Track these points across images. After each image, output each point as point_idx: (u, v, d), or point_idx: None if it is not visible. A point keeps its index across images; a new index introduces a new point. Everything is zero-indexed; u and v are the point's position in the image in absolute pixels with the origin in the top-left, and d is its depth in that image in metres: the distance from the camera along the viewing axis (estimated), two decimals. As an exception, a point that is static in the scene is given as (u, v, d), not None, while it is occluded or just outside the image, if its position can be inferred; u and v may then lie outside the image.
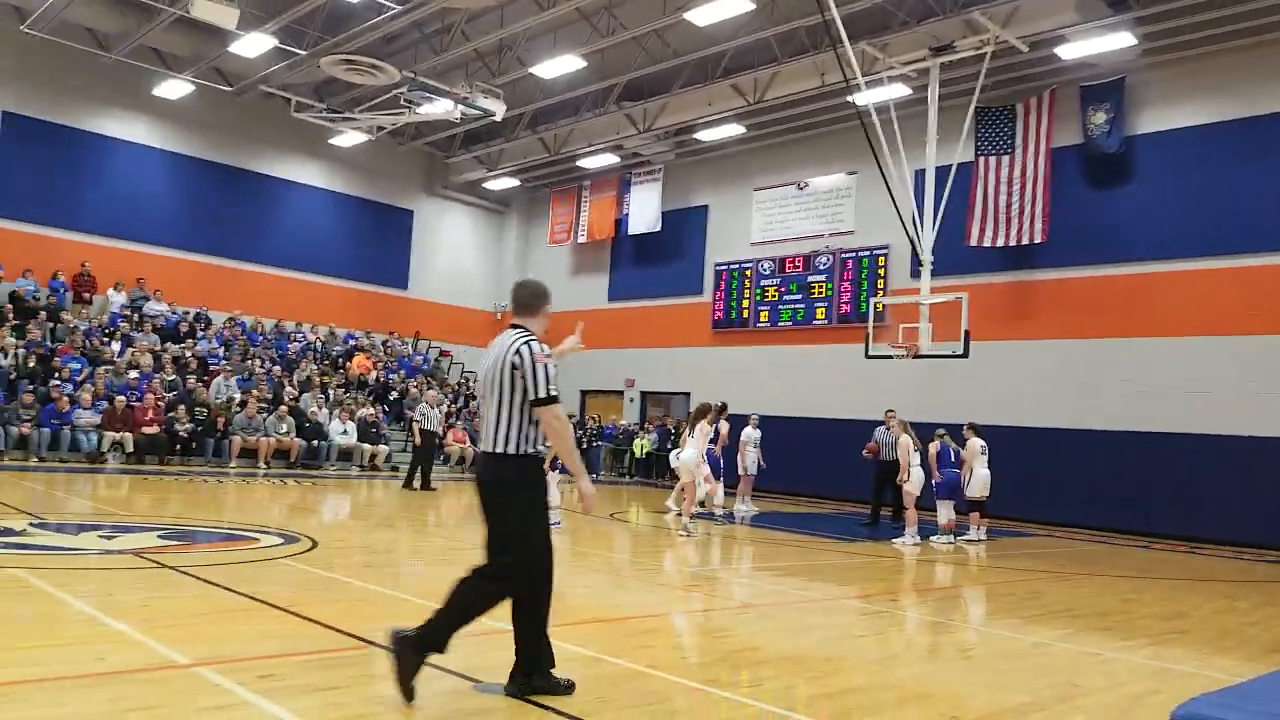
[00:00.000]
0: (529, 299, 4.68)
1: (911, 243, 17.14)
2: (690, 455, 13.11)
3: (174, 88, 22.17)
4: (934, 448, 13.92)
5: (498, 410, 4.44)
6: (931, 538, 13.68)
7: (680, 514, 15.16)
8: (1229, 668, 6.33)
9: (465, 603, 4.43)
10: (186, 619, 5.79)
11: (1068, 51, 17.20)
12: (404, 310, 27.95)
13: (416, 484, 16.74)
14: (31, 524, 9.07)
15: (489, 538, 4.51)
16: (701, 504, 14.23)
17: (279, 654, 5.07)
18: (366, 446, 21.15)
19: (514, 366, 4.39)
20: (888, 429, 15.54)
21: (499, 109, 20.35)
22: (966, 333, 15.76)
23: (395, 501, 15.04)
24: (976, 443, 14.05)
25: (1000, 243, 19.33)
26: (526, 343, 4.42)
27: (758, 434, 17.06)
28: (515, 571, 4.44)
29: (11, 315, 19.66)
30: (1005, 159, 19.43)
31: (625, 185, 26.84)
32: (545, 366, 4.38)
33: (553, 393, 4.39)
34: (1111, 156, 18.38)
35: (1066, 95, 18.96)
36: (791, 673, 5.50)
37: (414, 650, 4.27)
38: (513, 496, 4.44)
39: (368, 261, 27.21)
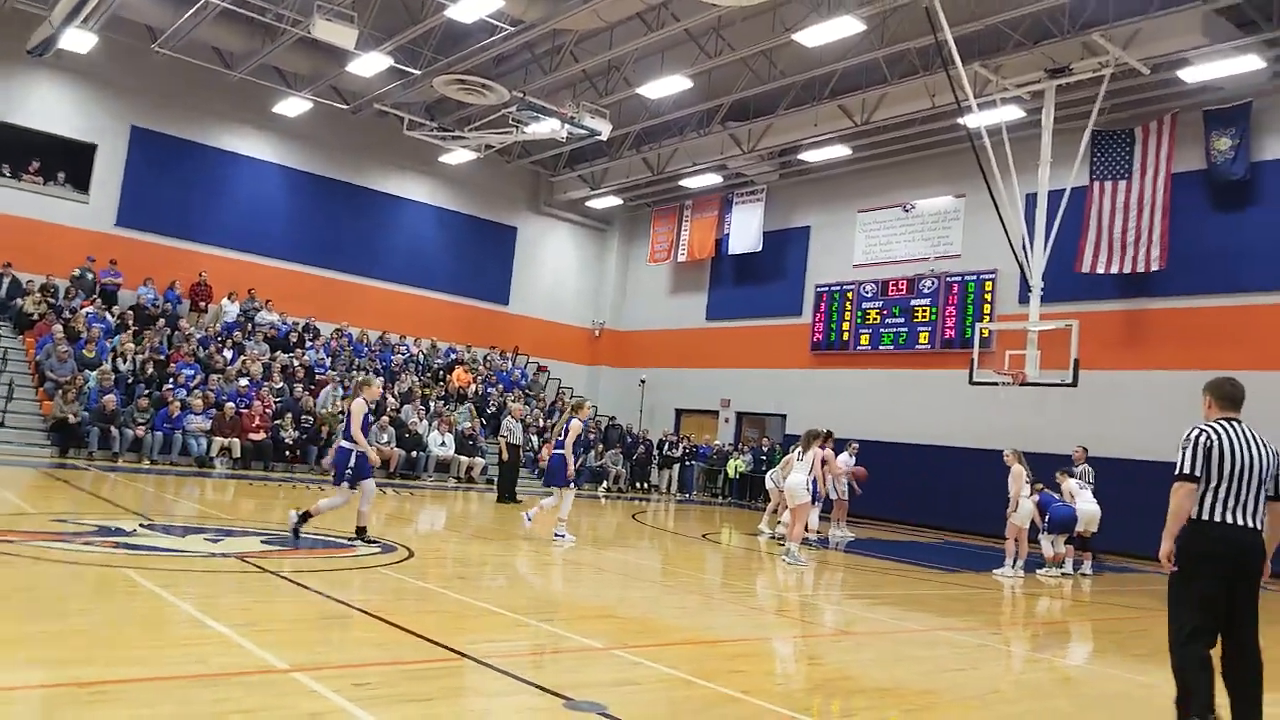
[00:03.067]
0: (1243, 397, 5.12)
1: (1021, 268, 16.66)
2: (798, 480, 12.64)
3: (293, 105, 22.97)
4: (1069, 484, 13.59)
5: (1258, 493, 4.90)
6: (1038, 571, 13.21)
7: (774, 536, 15.00)
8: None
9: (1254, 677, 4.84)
10: (285, 624, 5.92)
11: (1191, 74, 16.48)
12: (504, 325, 28.34)
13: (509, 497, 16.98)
14: (141, 525, 9.42)
15: (1249, 604, 4.86)
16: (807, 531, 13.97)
17: (373, 662, 5.13)
18: (463, 459, 21.47)
19: None
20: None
21: (605, 128, 20.50)
22: (1076, 361, 15.25)
23: (489, 514, 15.20)
24: (1071, 483, 13.63)
25: (1114, 269, 18.59)
26: None
27: (852, 461, 16.78)
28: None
29: (131, 321, 20.53)
30: (1121, 184, 18.71)
31: (727, 205, 26.77)
32: None
33: None
34: (1236, 183, 17.55)
35: (1188, 119, 18.15)
36: (886, 704, 5.32)
37: None
38: (1264, 567, 4.92)
39: (471, 277, 27.71)
